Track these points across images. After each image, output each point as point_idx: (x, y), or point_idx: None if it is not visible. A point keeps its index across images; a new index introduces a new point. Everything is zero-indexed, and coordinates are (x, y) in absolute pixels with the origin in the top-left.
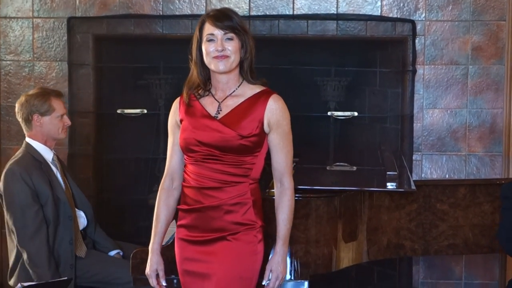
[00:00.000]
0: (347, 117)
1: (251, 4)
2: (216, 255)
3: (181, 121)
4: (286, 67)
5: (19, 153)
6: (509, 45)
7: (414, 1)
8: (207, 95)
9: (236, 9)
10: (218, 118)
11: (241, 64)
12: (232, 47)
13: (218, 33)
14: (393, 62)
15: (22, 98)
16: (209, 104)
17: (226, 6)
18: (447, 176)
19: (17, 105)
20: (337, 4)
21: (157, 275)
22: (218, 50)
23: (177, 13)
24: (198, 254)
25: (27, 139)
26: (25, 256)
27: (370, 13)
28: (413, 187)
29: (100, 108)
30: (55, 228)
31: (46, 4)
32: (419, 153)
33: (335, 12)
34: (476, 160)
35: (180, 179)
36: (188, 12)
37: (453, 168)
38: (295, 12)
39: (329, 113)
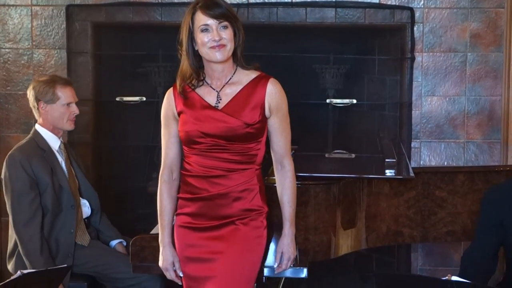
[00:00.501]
0: (346, 105)
1: None
2: (224, 240)
3: (179, 113)
4: (284, 55)
5: (25, 139)
6: (508, 33)
7: None
8: (202, 85)
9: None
10: (220, 108)
11: (234, 51)
12: (227, 35)
13: (213, 22)
14: (391, 50)
15: (30, 85)
16: (207, 94)
17: None
18: (445, 163)
19: (27, 92)
20: None
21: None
22: (215, 40)
23: (176, 0)
24: (202, 240)
25: (36, 126)
26: (18, 243)
27: (368, 1)
28: (412, 174)
29: (99, 96)
30: (55, 216)
31: None
32: (418, 140)
33: (334, 0)
34: (475, 147)
35: (179, 169)
36: None
37: (452, 155)
38: (293, 0)
39: (327, 101)
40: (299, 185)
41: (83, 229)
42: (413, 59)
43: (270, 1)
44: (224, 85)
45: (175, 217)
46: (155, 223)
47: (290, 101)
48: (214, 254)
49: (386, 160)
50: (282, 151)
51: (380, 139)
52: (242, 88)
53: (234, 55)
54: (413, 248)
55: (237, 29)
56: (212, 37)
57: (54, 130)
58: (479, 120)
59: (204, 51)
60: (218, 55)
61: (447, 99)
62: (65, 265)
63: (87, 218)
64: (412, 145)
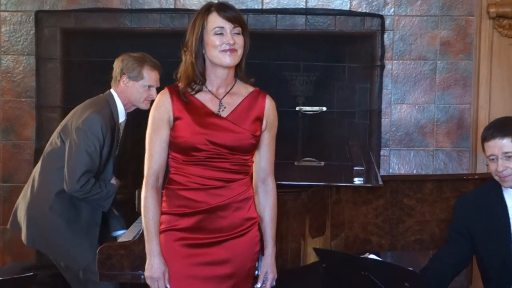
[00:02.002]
0: (316, 112)
1: None
2: (230, 254)
3: (176, 118)
4: (255, 62)
5: (101, 102)
6: (477, 40)
7: None
8: (201, 91)
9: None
10: (224, 117)
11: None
12: (240, 41)
13: (228, 26)
14: (361, 57)
15: (121, 56)
16: (208, 101)
17: (195, 1)
18: (414, 172)
19: (115, 61)
20: None
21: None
22: (229, 43)
23: (145, 7)
24: (207, 257)
25: (113, 92)
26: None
27: (339, 8)
28: (380, 182)
29: (68, 103)
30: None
31: None
32: (387, 148)
33: (304, 7)
34: (444, 156)
35: (162, 177)
36: (157, 6)
37: (421, 164)
38: (264, 7)
39: (297, 108)
40: None
41: None
42: (383, 66)
43: (241, 8)
44: (225, 94)
45: (160, 233)
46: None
47: None
48: (226, 270)
49: (355, 168)
50: (268, 169)
51: (349, 147)
52: (243, 100)
53: (237, 65)
54: (382, 257)
55: (247, 37)
56: (226, 40)
57: (127, 104)
58: (449, 128)
59: (214, 54)
60: (228, 59)
61: (416, 107)
62: (31, 273)
63: None
64: (381, 153)
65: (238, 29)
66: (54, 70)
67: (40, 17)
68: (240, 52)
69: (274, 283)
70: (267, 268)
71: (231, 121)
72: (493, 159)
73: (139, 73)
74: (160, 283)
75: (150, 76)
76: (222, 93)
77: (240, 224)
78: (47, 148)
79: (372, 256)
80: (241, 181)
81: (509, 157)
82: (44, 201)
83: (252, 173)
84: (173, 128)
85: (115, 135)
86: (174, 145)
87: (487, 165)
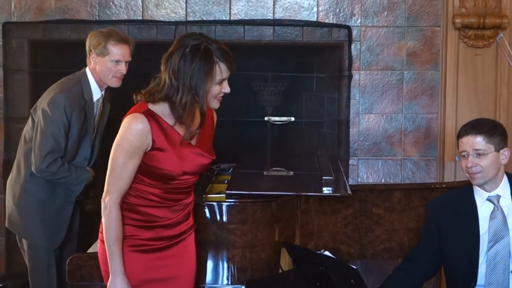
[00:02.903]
0: (284, 122)
1: (188, 10)
2: (177, 256)
3: (156, 148)
4: None
5: (72, 81)
6: (444, 51)
7: (350, 7)
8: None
9: (173, 15)
10: (194, 144)
11: None
12: None
13: (227, 76)
14: (329, 68)
15: (90, 33)
16: (180, 129)
17: (163, 11)
18: (383, 181)
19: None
20: (274, 10)
21: None
22: (226, 92)
23: (113, 18)
24: (158, 261)
25: (87, 70)
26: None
27: (306, 19)
28: (349, 191)
29: None
30: (68, 162)
31: None
32: (356, 157)
33: (272, 18)
34: (412, 165)
35: None
36: (125, 17)
37: (389, 173)
38: (232, 18)
39: (266, 118)
40: (237, 203)
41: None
42: (350, 77)
43: (208, 19)
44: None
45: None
46: (92, 241)
47: (228, 119)
48: (171, 271)
49: (324, 177)
50: None
51: (318, 157)
52: (199, 118)
53: None
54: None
55: None
56: (223, 89)
57: (99, 82)
58: (416, 137)
59: (209, 100)
60: (217, 105)
61: (384, 116)
62: (1, 285)
63: None
64: (350, 162)
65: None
66: (22, 81)
67: (8, 28)
68: None
69: None
70: None
71: (199, 148)
72: (464, 156)
73: (104, 48)
74: None
75: (116, 51)
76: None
77: (185, 231)
78: (24, 129)
79: (326, 253)
80: (191, 194)
81: (479, 154)
82: (19, 182)
83: None
84: (149, 157)
85: (87, 114)
86: (147, 172)
87: (459, 162)
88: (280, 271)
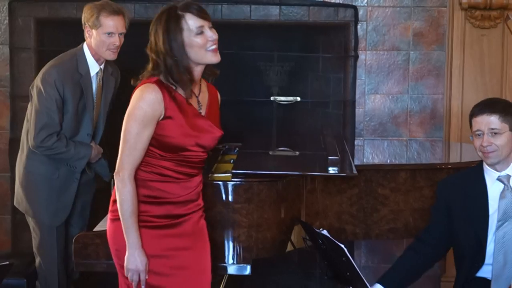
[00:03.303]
0: (290, 102)
1: None
2: (186, 236)
3: (167, 117)
4: (229, 52)
5: (68, 55)
6: (450, 31)
7: None
8: (177, 88)
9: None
10: (204, 115)
11: None
12: (216, 36)
13: (206, 24)
14: (335, 48)
15: (84, 6)
16: (191, 99)
17: None
18: (388, 161)
19: None
20: None
21: None
22: (213, 39)
23: None
24: (164, 238)
25: (84, 44)
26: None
27: None
28: (354, 171)
29: None
30: (71, 138)
31: None
32: (361, 138)
33: None
34: (417, 145)
35: None
36: None
37: (395, 153)
38: None
39: (272, 98)
40: (242, 182)
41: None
42: (356, 57)
43: None
44: (200, 92)
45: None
46: (98, 219)
47: (234, 98)
48: (179, 250)
49: (329, 157)
50: None
51: (323, 137)
52: (208, 96)
53: None
54: (356, 245)
55: None
56: (210, 37)
57: (95, 55)
58: (422, 118)
59: (202, 54)
60: (216, 57)
61: (390, 97)
62: (7, 262)
63: None
64: (355, 142)
65: (210, 23)
66: (28, 59)
67: (14, 7)
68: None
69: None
70: None
71: (210, 121)
72: (478, 135)
73: (97, 20)
74: (142, 275)
75: (107, 23)
76: (197, 91)
77: (195, 210)
78: (28, 107)
79: (324, 231)
80: (200, 174)
81: (495, 133)
82: (22, 159)
83: None
84: (161, 126)
85: (84, 88)
86: (158, 143)
87: (472, 141)
88: (292, 248)
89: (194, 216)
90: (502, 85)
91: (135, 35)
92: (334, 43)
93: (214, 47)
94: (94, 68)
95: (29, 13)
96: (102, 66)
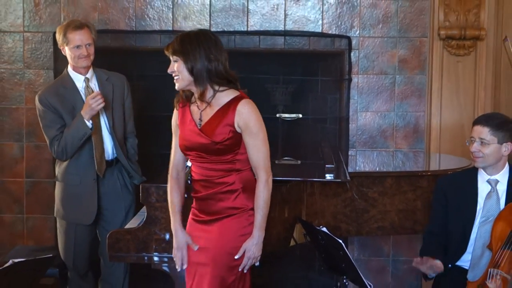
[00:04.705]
0: (293, 119)
1: (212, 22)
2: (211, 233)
3: (178, 125)
4: (241, 76)
5: (55, 80)
6: (430, 58)
7: (350, 20)
8: (194, 102)
9: (199, 26)
10: (200, 127)
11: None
12: (176, 68)
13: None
14: (332, 72)
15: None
16: (195, 112)
17: (190, 23)
18: (377, 169)
19: None
20: (285, 22)
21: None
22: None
23: (148, 28)
24: (199, 232)
25: (68, 66)
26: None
27: (312, 30)
28: (348, 178)
29: None
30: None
31: (35, 20)
32: (354, 149)
33: (283, 29)
34: (402, 155)
35: (183, 170)
36: (158, 28)
37: (383, 162)
38: (249, 29)
39: (277, 115)
40: None
41: (101, 163)
42: (350, 80)
43: (229, 29)
44: (206, 107)
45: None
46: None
47: None
48: (205, 244)
49: (327, 165)
50: (254, 164)
51: (322, 148)
52: (218, 109)
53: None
54: (349, 241)
55: (183, 63)
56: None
57: (75, 68)
58: (406, 132)
59: None
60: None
61: (378, 114)
62: (51, 255)
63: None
64: (349, 153)
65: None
66: None
67: None
68: (180, 77)
69: (257, 264)
70: (246, 247)
71: (202, 131)
72: (472, 141)
73: (65, 38)
74: (184, 251)
75: (73, 37)
76: (203, 106)
77: (224, 211)
78: None
79: (324, 229)
80: (226, 176)
81: (483, 143)
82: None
83: (249, 167)
84: None
85: (71, 98)
86: None
87: (468, 144)
88: (294, 243)
89: (220, 219)
90: (474, 104)
91: (162, 60)
92: (331, 68)
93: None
94: (78, 80)
95: None
96: (88, 75)
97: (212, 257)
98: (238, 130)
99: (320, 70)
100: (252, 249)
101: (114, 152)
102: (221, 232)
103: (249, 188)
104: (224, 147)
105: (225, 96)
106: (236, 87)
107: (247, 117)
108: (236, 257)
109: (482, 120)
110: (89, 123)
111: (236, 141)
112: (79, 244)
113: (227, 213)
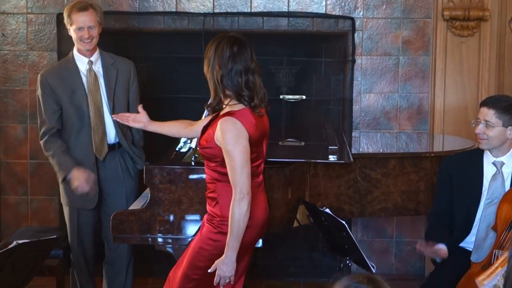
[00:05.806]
0: (297, 100)
1: (215, 3)
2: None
3: None
4: None
5: (60, 61)
6: (434, 39)
7: (354, 1)
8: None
9: (202, 7)
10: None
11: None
12: None
13: None
14: (335, 53)
15: None
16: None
17: (193, 4)
18: (380, 150)
19: None
20: (288, 3)
21: None
22: None
23: (151, 10)
24: None
25: (74, 48)
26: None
27: (316, 11)
28: (351, 159)
29: None
30: (77, 131)
31: (38, 2)
32: (357, 130)
33: (287, 10)
34: (405, 137)
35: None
36: (161, 9)
37: (386, 144)
38: (252, 10)
39: (281, 97)
40: None
41: (101, 147)
42: (353, 61)
43: (232, 11)
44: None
45: None
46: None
47: None
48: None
49: (330, 147)
50: (230, 182)
51: (325, 130)
52: (214, 121)
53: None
54: (353, 223)
55: None
56: None
57: (80, 51)
58: (409, 113)
59: None
60: None
61: (382, 95)
62: (55, 236)
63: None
64: (352, 134)
65: None
66: None
67: (61, 19)
68: None
69: (227, 281)
70: (217, 264)
71: (201, 132)
72: (478, 122)
73: (69, 19)
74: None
75: (76, 19)
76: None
77: (207, 211)
78: None
79: (327, 210)
80: (213, 184)
81: (488, 125)
82: None
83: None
84: None
85: (72, 80)
86: None
87: (474, 126)
88: (297, 224)
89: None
90: (478, 85)
91: (165, 41)
92: (334, 49)
93: None
94: (82, 61)
95: None
96: (93, 58)
97: (189, 250)
98: (218, 143)
99: (324, 51)
100: (222, 268)
101: (117, 136)
102: (200, 230)
103: (225, 201)
104: (204, 153)
105: (225, 109)
106: (247, 104)
107: (220, 134)
108: (209, 271)
109: (488, 102)
110: (68, 176)
111: (216, 152)
112: (83, 228)
113: (208, 215)
